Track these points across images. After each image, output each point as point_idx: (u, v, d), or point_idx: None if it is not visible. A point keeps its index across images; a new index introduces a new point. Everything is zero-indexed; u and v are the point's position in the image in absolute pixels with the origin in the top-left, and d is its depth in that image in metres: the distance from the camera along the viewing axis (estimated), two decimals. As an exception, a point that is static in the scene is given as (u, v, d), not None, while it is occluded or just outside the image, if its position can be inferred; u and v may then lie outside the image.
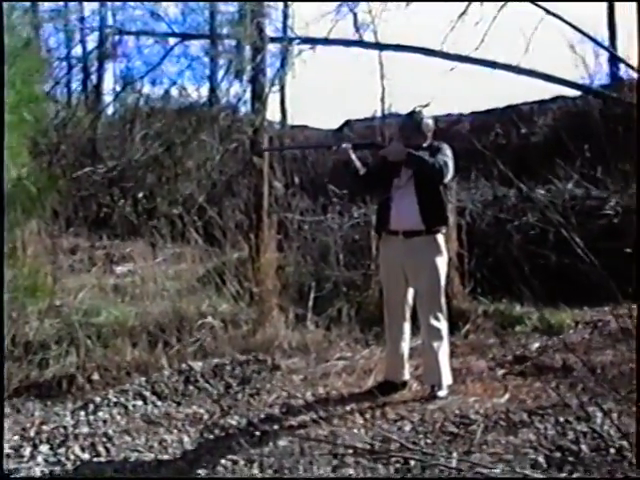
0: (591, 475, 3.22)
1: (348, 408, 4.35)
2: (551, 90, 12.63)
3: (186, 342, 5.66)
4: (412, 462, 3.48)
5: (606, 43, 11.96)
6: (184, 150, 13.28)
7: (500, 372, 5.01)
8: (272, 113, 14.77)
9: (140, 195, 11.60)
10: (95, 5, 13.15)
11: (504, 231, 7.36)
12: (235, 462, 3.69)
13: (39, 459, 3.90)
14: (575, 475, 3.24)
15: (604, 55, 11.94)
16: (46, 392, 5.02)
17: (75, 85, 15.89)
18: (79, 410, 4.60)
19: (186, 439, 4.09)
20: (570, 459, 3.41)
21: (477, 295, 6.51)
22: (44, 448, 4.03)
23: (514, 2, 8.86)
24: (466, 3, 8.99)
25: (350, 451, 3.66)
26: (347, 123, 15.53)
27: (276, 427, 4.13)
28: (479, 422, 3.96)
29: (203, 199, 9.44)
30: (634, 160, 4.51)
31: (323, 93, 22.50)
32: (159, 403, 4.69)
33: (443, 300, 4.50)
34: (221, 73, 14.98)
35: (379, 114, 10.94)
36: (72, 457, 3.91)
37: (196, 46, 14.28)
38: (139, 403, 4.68)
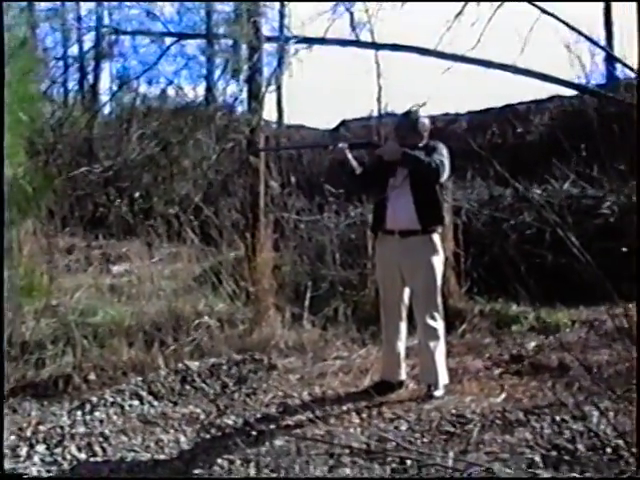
0: (589, 474, 3.23)
1: (345, 408, 4.36)
2: (547, 90, 12.69)
3: (182, 342, 5.66)
4: (408, 462, 3.48)
5: (602, 43, 11.98)
6: (180, 150, 13.29)
7: (496, 371, 5.02)
8: (268, 112, 14.84)
9: (136, 195, 11.56)
10: (91, 5, 13.20)
11: (500, 230, 7.37)
12: (232, 462, 3.69)
13: (36, 459, 3.89)
14: (572, 475, 3.25)
15: (600, 55, 11.97)
16: (42, 392, 5.01)
17: (71, 85, 15.96)
18: (76, 410, 4.59)
19: (182, 439, 4.09)
20: (566, 458, 3.42)
21: (473, 294, 6.52)
22: (41, 448, 4.02)
23: (510, 2, 8.86)
24: (462, 3, 8.98)
25: (347, 451, 3.66)
26: (343, 123, 15.55)
27: (272, 427, 4.14)
28: (475, 421, 3.96)
29: (199, 198, 9.45)
30: (631, 160, 4.51)
31: (319, 92, 22.55)
32: (155, 403, 4.69)
33: (439, 299, 4.50)
34: (217, 73, 15.00)
35: (375, 114, 10.98)
36: (69, 457, 3.91)
37: (192, 45, 14.24)
38: (135, 403, 4.68)
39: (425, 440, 3.82)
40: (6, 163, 4.34)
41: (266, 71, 8.22)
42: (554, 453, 3.50)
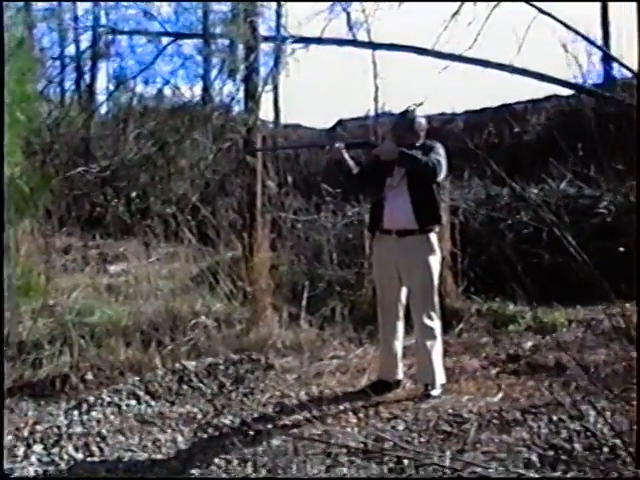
0: (585, 474, 3.23)
1: (342, 407, 4.36)
2: (544, 89, 12.67)
3: (180, 341, 5.65)
4: (406, 461, 3.48)
5: (599, 42, 11.98)
6: (177, 149, 13.29)
7: (493, 371, 5.02)
8: (265, 112, 14.84)
9: (133, 194, 11.58)
10: (88, 4, 13.19)
11: (497, 230, 7.37)
12: (229, 461, 3.70)
13: (33, 459, 3.89)
14: (570, 475, 3.25)
15: (597, 54, 11.96)
16: (40, 392, 5.00)
17: (68, 84, 15.95)
18: (73, 410, 4.59)
19: (180, 438, 4.09)
20: (563, 458, 3.42)
21: (470, 294, 6.51)
22: (38, 448, 4.03)
23: (507, 1, 8.86)
24: (459, 2, 8.98)
25: (344, 450, 3.66)
26: (340, 122, 15.54)
27: (270, 426, 4.13)
28: (472, 421, 3.96)
29: (196, 198, 9.43)
30: (630, 160, 4.52)
31: (316, 92, 22.49)
32: (153, 402, 4.69)
33: (436, 299, 4.50)
34: (214, 72, 15.03)
35: (372, 113, 10.99)
36: (66, 457, 3.91)
37: (189, 45, 14.31)
38: (133, 402, 4.67)
39: (422, 439, 3.83)
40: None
41: (263, 71, 8.25)
42: (551, 452, 3.51)
